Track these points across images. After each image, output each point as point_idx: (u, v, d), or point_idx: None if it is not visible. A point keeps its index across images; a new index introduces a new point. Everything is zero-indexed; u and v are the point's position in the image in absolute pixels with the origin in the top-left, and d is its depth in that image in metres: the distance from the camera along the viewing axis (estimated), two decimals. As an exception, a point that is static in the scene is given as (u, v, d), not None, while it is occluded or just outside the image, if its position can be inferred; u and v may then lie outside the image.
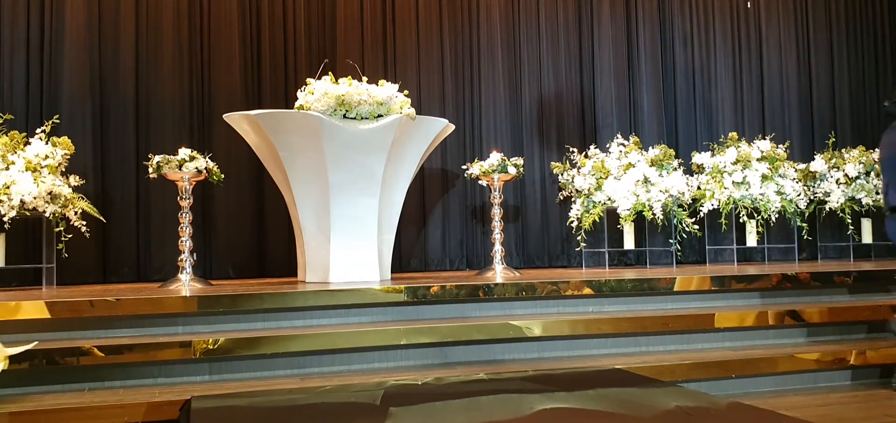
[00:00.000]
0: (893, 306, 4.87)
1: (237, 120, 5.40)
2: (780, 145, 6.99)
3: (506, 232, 6.69)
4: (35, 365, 3.66)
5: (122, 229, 6.16)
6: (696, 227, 6.56)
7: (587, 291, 4.84)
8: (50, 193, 5.10)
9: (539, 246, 7.27)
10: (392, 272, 5.72)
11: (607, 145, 6.84)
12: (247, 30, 6.62)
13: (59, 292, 4.96)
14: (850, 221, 6.93)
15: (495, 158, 6.01)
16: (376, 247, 5.37)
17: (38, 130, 5.35)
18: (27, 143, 5.27)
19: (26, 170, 5.07)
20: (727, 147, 6.86)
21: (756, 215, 6.76)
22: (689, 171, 7.06)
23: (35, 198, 5.01)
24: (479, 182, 6.56)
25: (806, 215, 7.00)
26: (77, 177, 5.38)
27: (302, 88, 5.23)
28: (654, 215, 6.34)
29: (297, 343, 4.02)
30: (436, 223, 7.05)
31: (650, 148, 6.77)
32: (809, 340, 4.69)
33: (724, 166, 6.75)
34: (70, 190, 5.24)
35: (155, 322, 4.10)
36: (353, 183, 5.23)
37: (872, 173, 6.95)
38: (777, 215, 6.72)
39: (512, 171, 5.99)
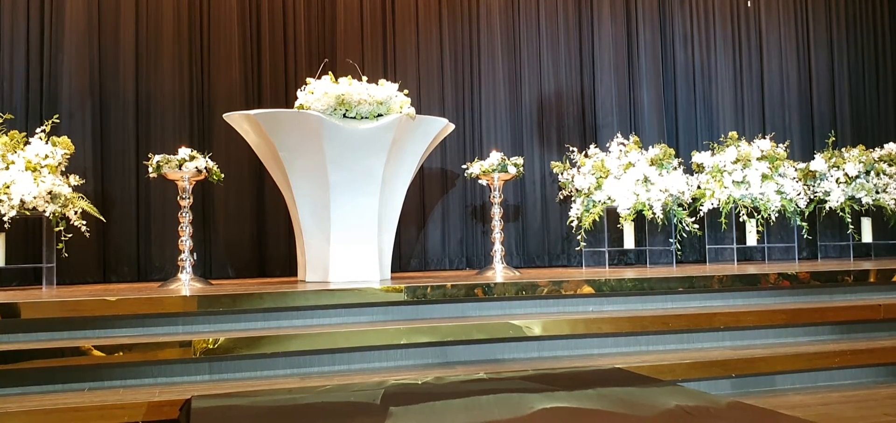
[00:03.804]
0: None
1: (237, 120, 5.40)
2: (780, 145, 6.99)
3: (506, 232, 6.70)
4: (35, 365, 3.66)
5: (122, 228, 6.16)
6: (696, 226, 6.56)
7: (587, 290, 4.83)
8: (50, 193, 5.10)
9: (539, 245, 7.27)
10: (392, 272, 5.72)
11: (607, 145, 6.84)
12: (247, 30, 6.62)
13: (60, 291, 4.95)
14: (850, 220, 6.93)
15: (495, 157, 6.01)
16: (376, 247, 5.37)
17: (38, 130, 5.35)
18: (27, 143, 5.27)
19: (26, 170, 5.07)
20: (727, 146, 6.86)
21: (756, 214, 6.75)
22: (689, 170, 7.06)
23: (35, 198, 5.01)
24: (479, 182, 6.56)
25: (806, 214, 6.99)
26: (77, 177, 5.38)
27: (302, 88, 5.23)
28: (654, 214, 6.34)
29: (297, 343, 4.02)
30: (436, 223, 7.05)
31: (650, 147, 6.77)
32: (809, 339, 4.69)
33: (724, 166, 6.75)
34: (70, 190, 5.23)
35: (155, 322, 4.11)
36: (353, 183, 5.23)
37: (872, 172, 6.94)
38: (777, 215, 6.73)
39: (512, 170, 5.99)
